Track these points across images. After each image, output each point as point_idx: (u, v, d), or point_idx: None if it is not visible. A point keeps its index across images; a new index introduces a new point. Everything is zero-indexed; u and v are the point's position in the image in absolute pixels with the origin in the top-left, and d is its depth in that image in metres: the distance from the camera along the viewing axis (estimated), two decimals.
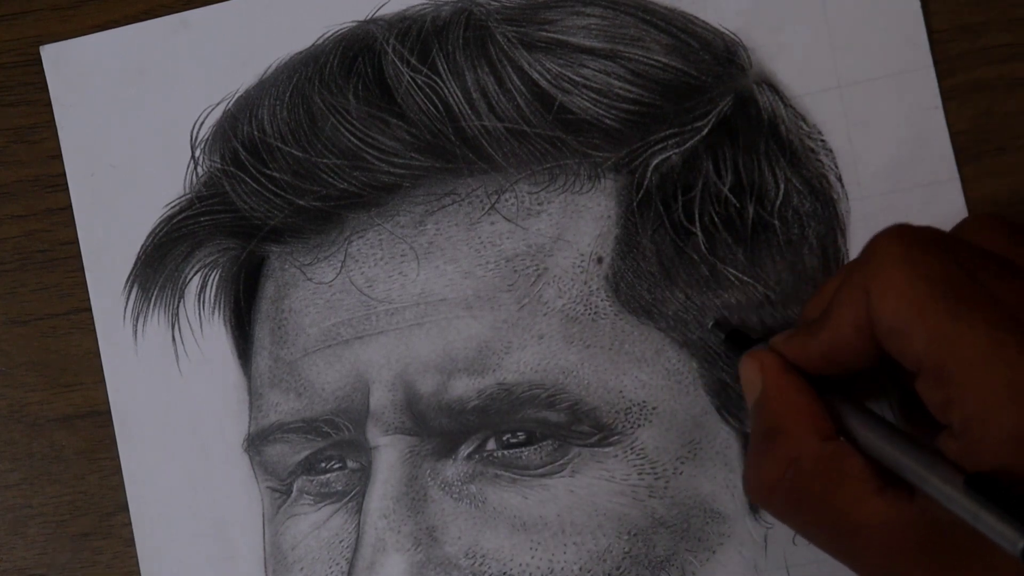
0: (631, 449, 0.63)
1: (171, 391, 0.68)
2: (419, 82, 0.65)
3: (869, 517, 0.52)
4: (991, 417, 0.49)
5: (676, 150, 0.64)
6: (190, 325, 0.68)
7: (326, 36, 0.67)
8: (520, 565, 0.63)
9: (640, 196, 0.64)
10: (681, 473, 0.63)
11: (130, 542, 0.68)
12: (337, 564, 0.65)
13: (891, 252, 0.52)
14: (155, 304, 0.68)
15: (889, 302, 0.51)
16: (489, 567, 0.63)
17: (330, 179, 0.65)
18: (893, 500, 0.52)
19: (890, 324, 0.51)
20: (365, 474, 0.64)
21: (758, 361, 0.57)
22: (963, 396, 0.50)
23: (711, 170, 0.64)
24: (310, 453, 0.65)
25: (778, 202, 0.64)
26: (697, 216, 0.64)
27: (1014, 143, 0.65)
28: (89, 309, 0.68)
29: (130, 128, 0.69)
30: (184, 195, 0.68)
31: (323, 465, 0.65)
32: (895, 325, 0.51)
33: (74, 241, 0.69)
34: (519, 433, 0.63)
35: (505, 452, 0.63)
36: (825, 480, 0.53)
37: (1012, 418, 0.48)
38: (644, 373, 0.63)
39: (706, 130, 0.64)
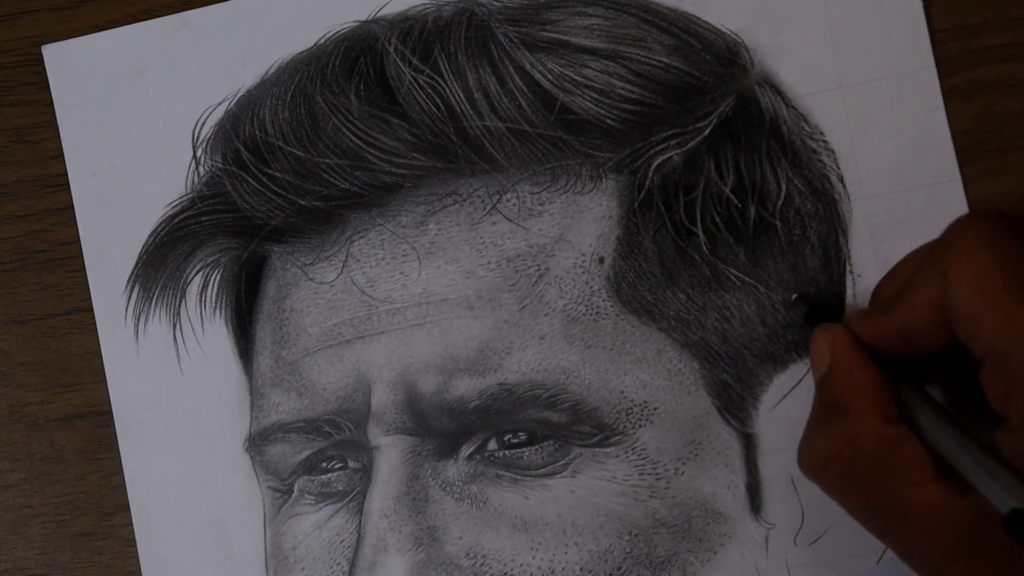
0: (632, 449, 0.63)
1: (172, 391, 0.67)
2: (421, 82, 0.65)
3: (922, 505, 0.52)
4: None
5: (678, 150, 0.64)
6: (191, 325, 0.68)
7: (328, 36, 0.67)
8: (521, 565, 0.63)
9: (642, 196, 0.64)
10: (682, 473, 0.63)
11: (130, 542, 0.68)
12: (338, 564, 0.65)
13: (973, 236, 0.53)
14: (156, 304, 0.68)
15: (964, 286, 0.52)
16: (490, 567, 0.63)
17: (332, 179, 0.65)
18: (948, 491, 0.52)
19: (962, 308, 0.52)
20: (366, 474, 0.64)
21: (830, 336, 0.57)
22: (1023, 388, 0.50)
23: (713, 170, 0.64)
24: (311, 453, 0.65)
25: (780, 203, 0.64)
26: (699, 216, 0.64)
27: (1014, 143, 0.65)
28: (89, 309, 0.68)
29: (132, 127, 0.69)
30: (186, 195, 0.68)
31: (324, 465, 0.65)
32: (967, 310, 0.52)
33: (74, 241, 0.69)
34: (520, 433, 0.63)
35: (506, 452, 0.63)
36: (882, 462, 0.53)
37: None
38: (645, 373, 0.63)
39: (708, 130, 0.64)
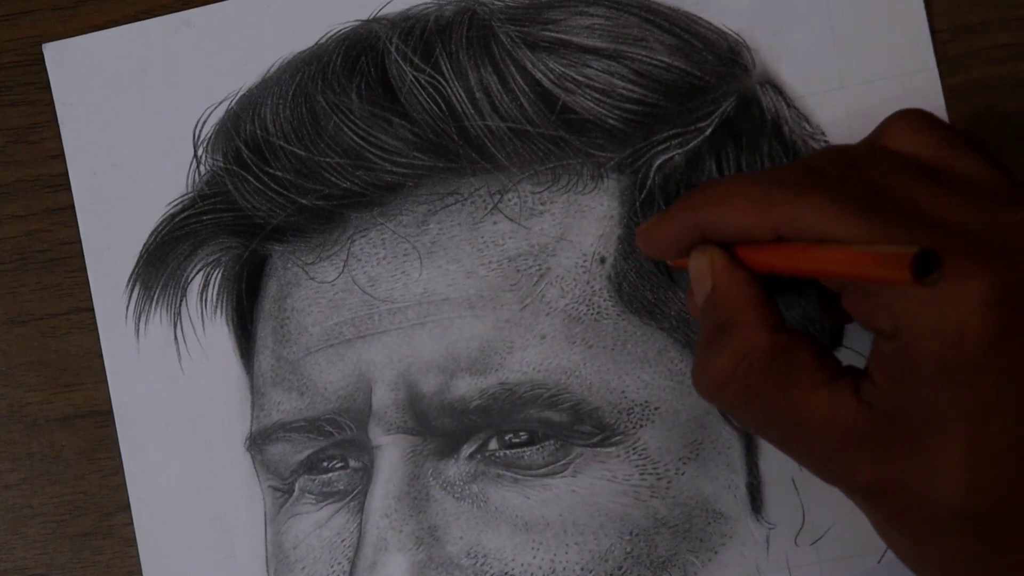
0: (633, 449, 0.63)
1: (173, 390, 0.67)
2: (422, 81, 0.65)
3: (817, 407, 0.52)
4: (919, 312, 0.49)
5: (679, 150, 0.64)
6: (192, 324, 0.68)
7: (329, 35, 0.67)
8: (522, 565, 0.63)
9: (643, 196, 0.64)
10: (683, 473, 0.63)
11: (130, 542, 0.67)
12: (339, 563, 0.65)
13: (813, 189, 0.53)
14: (157, 303, 0.68)
15: (811, 222, 0.52)
16: (491, 567, 0.63)
17: (333, 178, 0.65)
18: (840, 393, 0.52)
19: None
20: (367, 473, 0.64)
21: (707, 257, 0.56)
22: (889, 302, 0.50)
23: (714, 170, 0.64)
24: (312, 452, 0.65)
25: None
26: None
27: (1014, 143, 0.65)
28: (89, 309, 0.68)
29: (133, 127, 0.69)
30: (187, 194, 0.68)
31: (325, 464, 0.65)
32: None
33: (74, 241, 0.69)
34: (521, 433, 0.63)
35: (507, 452, 0.63)
36: (775, 372, 0.53)
37: (937, 312, 0.49)
38: (646, 373, 0.63)
39: (709, 130, 0.64)
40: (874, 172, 0.53)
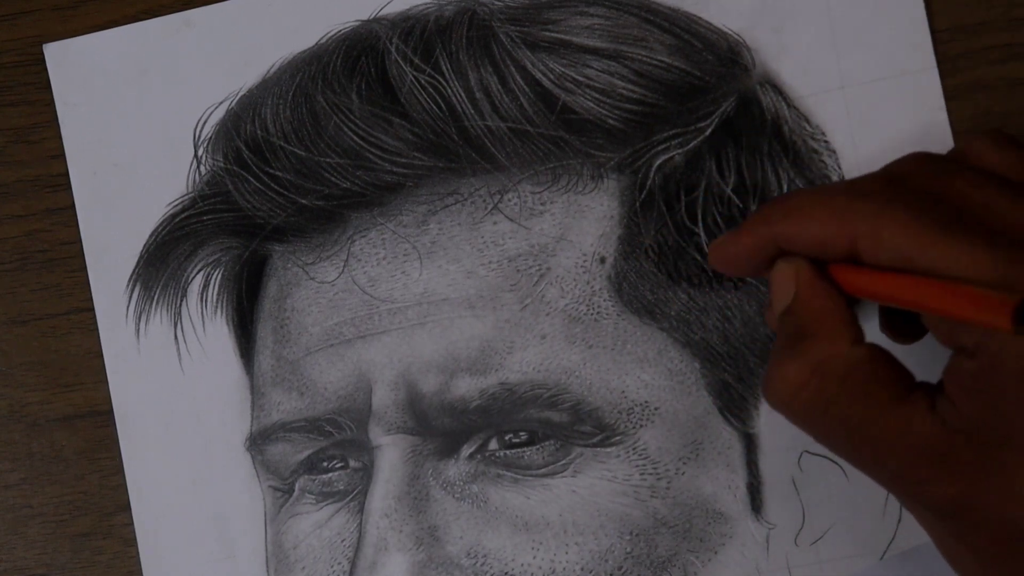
0: (633, 449, 0.63)
1: (173, 390, 0.67)
2: (422, 82, 0.65)
3: (892, 423, 0.52)
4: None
5: (679, 150, 0.64)
6: (192, 324, 0.68)
7: (329, 35, 0.67)
8: (522, 565, 0.63)
9: (643, 196, 0.64)
10: (683, 473, 0.63)
11: (130, 542, 0.68)
12: (339, 563, 0.65)
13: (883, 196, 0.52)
14: (157, 303, 0.68)
15: (886, 246, 0.51)
16: (491, 567, 0.63)
17: (333, 178, 0.65)
18: (916, 407, 0.51)
19: (892, 261, 0.52)
20: (367, 473, 0.64)
21: (793, 266, 0.55)
22: None
23: (714, 170, 0.64)
24: (312, 452, 0.65)
25: None
26: (700, 216, 0.64)
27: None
28: (89, 309, 0.68)
29: (133, 127, 0.69)
30: (187, 194, 0.68)
31: (325, 464, 0.65)
32: (897, 262, 0.51)
33: (74, 241, 0.69)
34: (521, 433, 0.63)
35: (507, 452, 0.63)
36: (852, 384, 0.52)
37: None
38: (647, 373, 0.63)
39: (709, 130, 0.64)
40: (960, 184, 0.52)
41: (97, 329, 0.68)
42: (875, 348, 0.53)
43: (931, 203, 0.52)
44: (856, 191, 0.53)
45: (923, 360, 0.57)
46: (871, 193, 0.53)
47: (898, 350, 0.55)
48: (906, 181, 0.53)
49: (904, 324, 0.58)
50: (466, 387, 0.63)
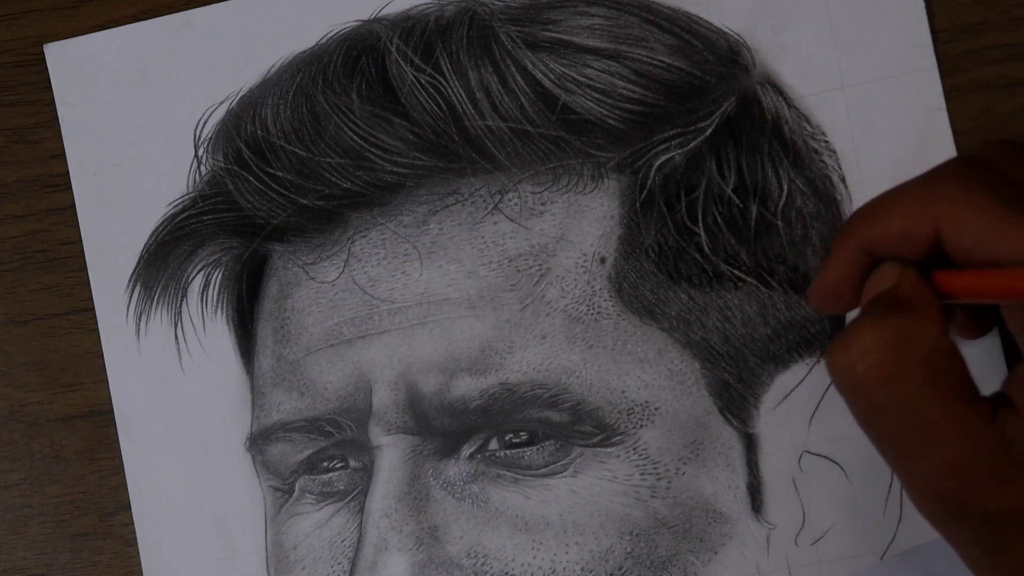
0: (633, 449, 0.63)
1: (173, 390, 0.67)
2: (423, 81, 0.65)
3: (953, 417, 0.51)
4: None
5: (680, 150, 0.64)
6: (193, 324, 0.68)
7: (330, 35, 0.67)
8: (522, 565, 0.63)
9: (643, 196, 0.64)
10: (683, 473, 0.63)
11: (130, 542, 0.68)
12: (339, 563, 0.65)
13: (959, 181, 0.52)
14: (158, 303, 0.68)
15: (967, 232, 0.51)
16: (491, 567, 0.63)
17: (333, 178, 0.65)
18: (979, 411, 0.51)
19: (971, 249, 0.51)
20: (367, 473, 0.64)
21: (898, 265, 0.54)
22: None
23: (714, 171, 0.64)
24: (312, 452, 0.65)
25: (781, 203, 0.64)
26: (700, 216, 0.64)
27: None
28: (89, 309, 0.68)
29: (133, 127, 0.69)
30: (187, 194, 0.68)
31: (325, 464, 0.65)
32: (976, 248, 0.51)
33: (74, 241, 0.69)
34: (521, 433, 0.63)
35: (507, 452, 0.63)
36: (927, 368, 0.51)
37: None
38: (647, 373, 0.63)
39: (710, 131, 0.64)
40: None
41: (97, 329, 0.68)
42: (957, 348, 0.52)
43: (1013, 189, 0.51)
44: (934, 179, 0.53)
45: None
46: (951, 178, 0.52)
47: None
48: (987, 166, 0.53)
49: (976, 320, 0.58)
50: (466, 387, 0.63)
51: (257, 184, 0.66)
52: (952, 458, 0.51)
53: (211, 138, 0.68)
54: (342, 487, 0.65)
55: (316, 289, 0.65)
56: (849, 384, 0.52)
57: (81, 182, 0.69)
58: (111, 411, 0.68)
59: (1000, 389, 0.52)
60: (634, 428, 0.63)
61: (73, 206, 0.69)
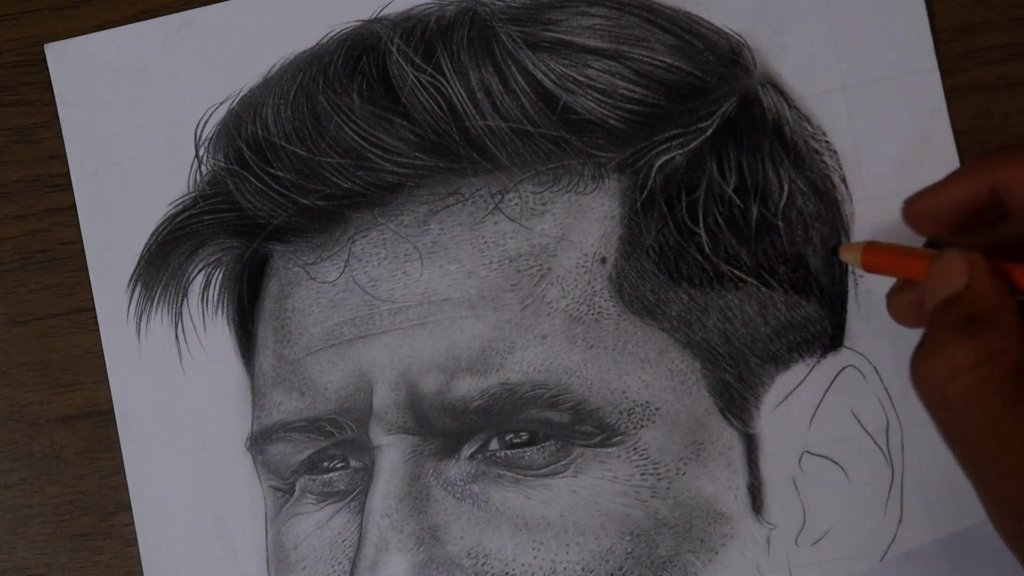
0: (634, 450, 0.63)
1: (174, 389, 0.67)
2: (423, 81, 0.65)
3: None
4: None
5: (680, 151, 0.64)
6: (193, 324, 0.68)
7: (330, 35, 0.67)
8: (522, 565, 0.63)
9: (644, 196, 0.64)
10: (684, 474, 0.63)
11: (130, 542, 0.67)
12: (339, 563, 0.65)
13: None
14: (158, 302, 0.68)
15: None
16: (491, 567, 0.63)
17: (334, 178, 0.65)
18: None
19: None
20: (368, 473, 0.64)
21: (968, 255, 0.54)
22: None
23: (715, 171, 0.64)
24: (313, 452, 0.65)
25: (782, 203, 0.64)
26: (701, 217, 0.64)
27: (1014, 143, 0.65)
28: (89, 309, 0.68)
29: (134, 127, 0.69)
30: (188, 194, 0.68)
31: (326, 464, 0.65)
32: None
33: (74, 241, 0.69)
34: (522, 433, 0.63)
35: (508, 452, 0.63)
36: (1017, 385, 0.50)
37: None
38: (647, 374, 0.63)
39: (710, 131, 0.64)
40: None
41: (97, 329, 0.68)
42: None
43: None
44: None
45: None
46: None
47: None
48: None
49: None
50: (467, 387, 0.63)
51: (258, 184, 0.66)
52: None
53: (212, 138, 0.68)
54: (343, 487, 0.65)
55: (317, 289, 0.65)
56: (936, 402, 0.52)
57: (81, 182, 0.69)
58: (111, 411, 0.68)
59: None
60: (635, 428, 0.63)
61: (73, 206, 0.69)
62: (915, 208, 0.57)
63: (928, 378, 0.52)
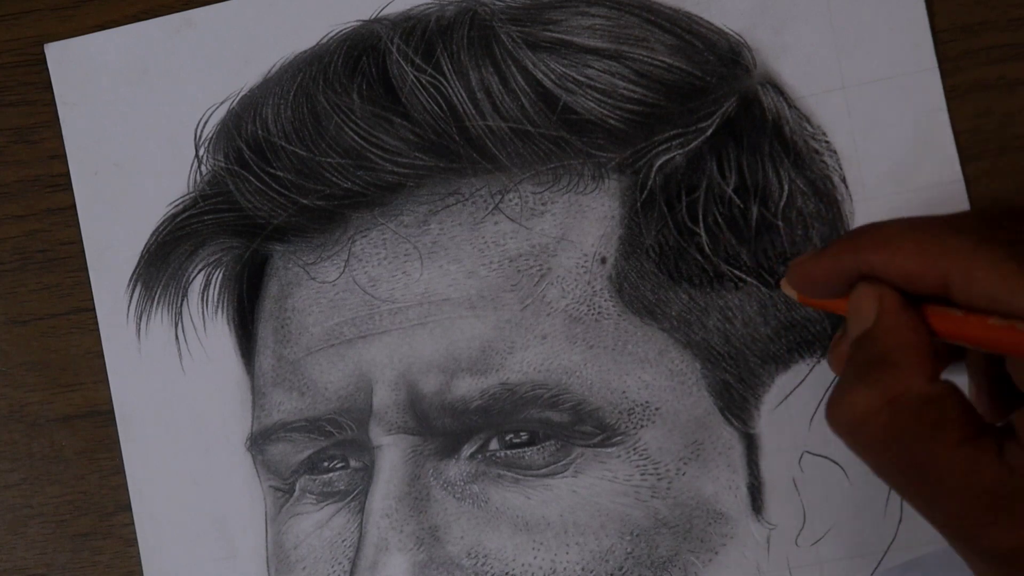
0: (634, 450, 0.63)
1: (174, 390, 0.67)
2: (423, 82, 0.65)
3: (958, 464, 0.51)
4: None
5: (680, 151, 0.64)
6: (193, 324, 0.68)
7: (330, 35, 0.67)
8: (522, 565, 0.63)
9: (644, 196, 0.64)
10: (684, 474, 0.63)
11: (130, 542, 0.67)
12: (339, 563, 0.65)
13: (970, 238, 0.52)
14: (158, 303, 0.68)
15: (987, 279, 0.51)
16: (491, 567, 0.63)
17: (334, 178, 0.65)
18: (983, 452, 0.51)
19: (982, 300, 0.51)
20: (368, 473, 0.64)
21: (877, 291, 0.54)
22: None
23: (715, 171, 0.64)
24: (313, 452, 0.65)
25: (782, 203, 0.64)
26: (701, 217, 0.64)
27: (1014, 143, 0.65)
28: (89, 309, 0.68)
29: (134, 127, 0.69)
30: (188, 194, 0.68)
31: (326, 464, 0.65)
32: (984, 302, 0.51)
33: (74, 241, 0.69)
34: (522, 433, 0.63)
35: (508, 452, 0.63)
36: (922, 421, 0.51)
37: None
38: (647, 374, 0.63)
39: (710, 131, 0.64)
40: None
41: (97, 329, 0.68)
42: (950, 386, 0.52)
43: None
44: (949, 226, 0.53)
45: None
46: (966, 230, 0.52)
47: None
48: (1001, 222, 0.53)
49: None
50: (467, 387, 0.63)
51: (258, 184, 0.66)
52: (961, 503, 0.51)
53: (212, 138, 0.68)
54: (343, 487, 0.65)
55: (317, 289, 0.65)
56: (851, 445, 0.53)
57: (81, 182, 0.69)
58: (111, 411, 0.68)
59: (1008, 420, 0.52)
60: (635, 428, 0.63)
61: (73, 206, 0.69)
62: (794, 274, 0.58)
63: (839, 424, 0.53)
